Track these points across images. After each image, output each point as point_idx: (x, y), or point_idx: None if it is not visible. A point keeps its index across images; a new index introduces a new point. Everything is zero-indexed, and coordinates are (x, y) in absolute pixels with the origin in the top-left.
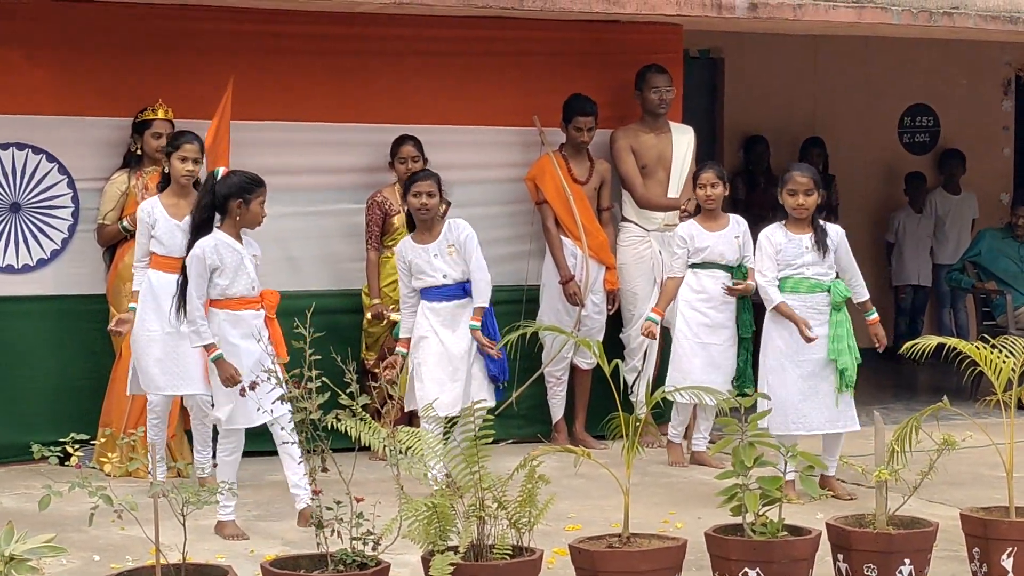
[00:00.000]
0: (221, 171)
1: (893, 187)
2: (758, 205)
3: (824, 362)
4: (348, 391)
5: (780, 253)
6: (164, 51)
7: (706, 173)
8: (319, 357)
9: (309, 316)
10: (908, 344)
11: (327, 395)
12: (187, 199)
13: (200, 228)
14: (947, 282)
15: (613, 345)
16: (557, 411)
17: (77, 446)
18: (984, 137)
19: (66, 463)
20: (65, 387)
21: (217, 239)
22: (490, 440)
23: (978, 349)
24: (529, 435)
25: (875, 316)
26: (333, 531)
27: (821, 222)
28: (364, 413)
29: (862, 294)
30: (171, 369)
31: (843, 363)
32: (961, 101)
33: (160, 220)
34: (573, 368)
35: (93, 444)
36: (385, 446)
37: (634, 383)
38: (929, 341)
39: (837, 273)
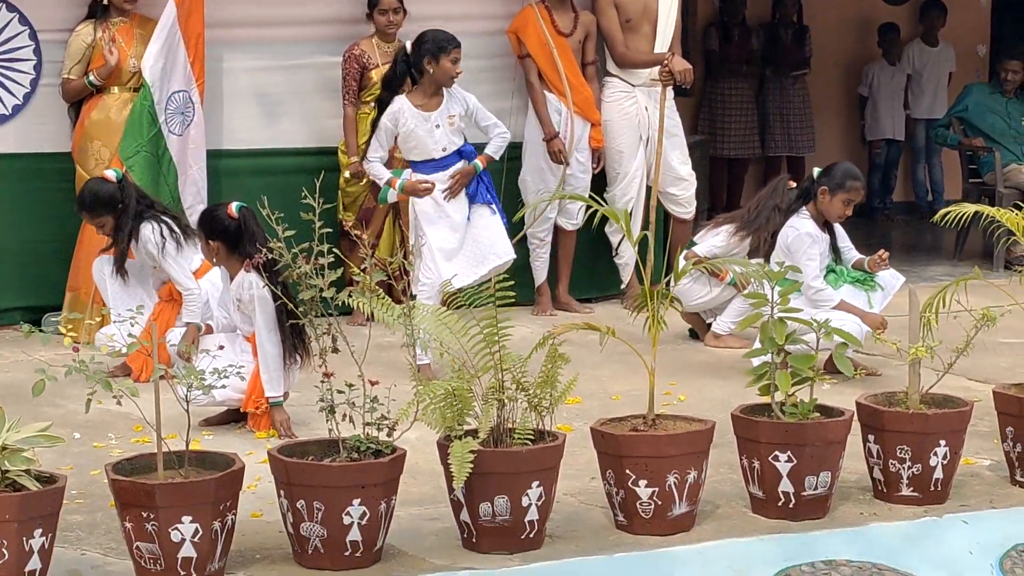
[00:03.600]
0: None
1: (868, 39)
2: (733, 58)
3: None
4: (363, 266)
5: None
6: None
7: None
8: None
9: (319, 183)
10: (941, 213)
11: (340, 272)
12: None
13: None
14: (933, 138)
15: None
16: (540, 274)
17: (69, 326)
18: None
19: (41, 330)
20: (29, 250)
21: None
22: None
23: (1013, 215)
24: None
25: None
26: (345, 416)
27: None
28: (378, 288)
29: None
30: None
31: None
32: None
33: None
34: (557, 229)
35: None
36: (399, 321)
37: (619, 244)
38: (965, 209)
39: None
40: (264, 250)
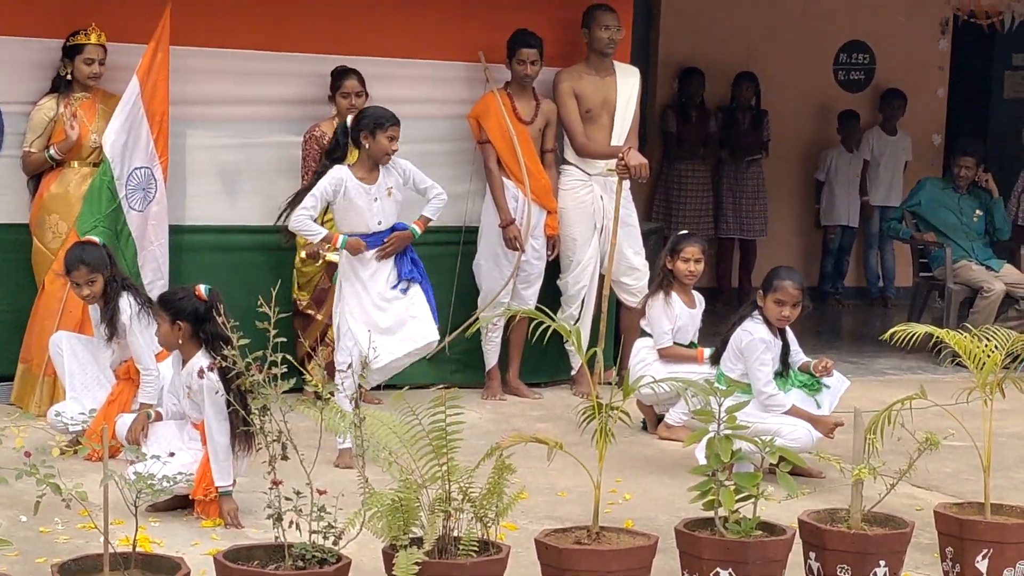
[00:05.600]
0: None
1: (825, 124)
2: (690, 140)
3: None
4: (309, 373)
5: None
6: None
7: (692, 247)
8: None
9: (274, 294)
10: (891, 331)
11: (292, 381)
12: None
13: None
14: (886, 231)
15: (551, 292)
16: (491, 357)
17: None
18: (919, 77)
19: None
20: None
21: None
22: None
23: (962, 339)
24: (462, 381)
25: None
26: (291, 523)
27: None
28: (330, 397)
29: None
30: None
31: None
32: (898, 39)
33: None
34: None
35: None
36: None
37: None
38: (915, 329)
39: None
40: (219, 358)
